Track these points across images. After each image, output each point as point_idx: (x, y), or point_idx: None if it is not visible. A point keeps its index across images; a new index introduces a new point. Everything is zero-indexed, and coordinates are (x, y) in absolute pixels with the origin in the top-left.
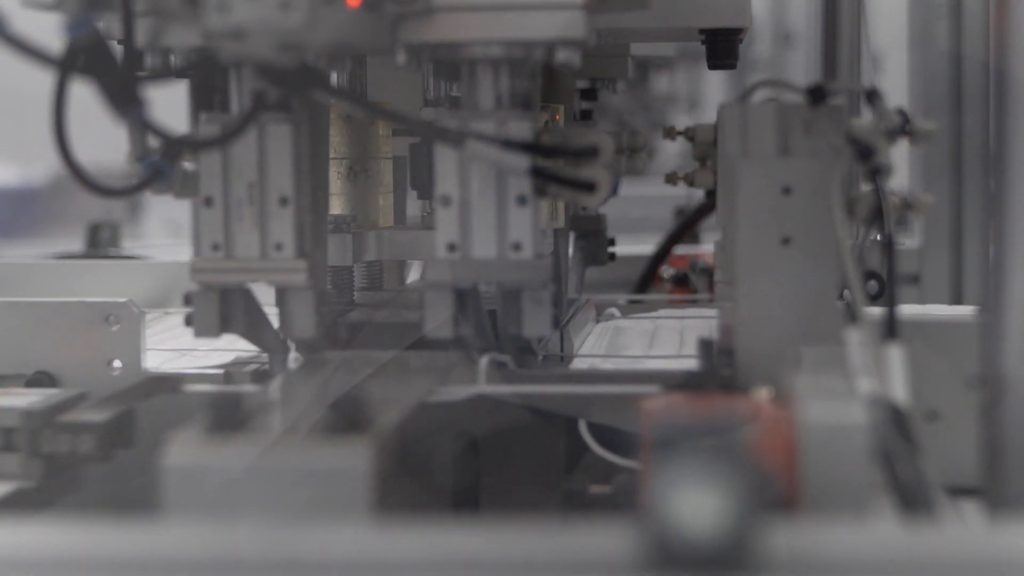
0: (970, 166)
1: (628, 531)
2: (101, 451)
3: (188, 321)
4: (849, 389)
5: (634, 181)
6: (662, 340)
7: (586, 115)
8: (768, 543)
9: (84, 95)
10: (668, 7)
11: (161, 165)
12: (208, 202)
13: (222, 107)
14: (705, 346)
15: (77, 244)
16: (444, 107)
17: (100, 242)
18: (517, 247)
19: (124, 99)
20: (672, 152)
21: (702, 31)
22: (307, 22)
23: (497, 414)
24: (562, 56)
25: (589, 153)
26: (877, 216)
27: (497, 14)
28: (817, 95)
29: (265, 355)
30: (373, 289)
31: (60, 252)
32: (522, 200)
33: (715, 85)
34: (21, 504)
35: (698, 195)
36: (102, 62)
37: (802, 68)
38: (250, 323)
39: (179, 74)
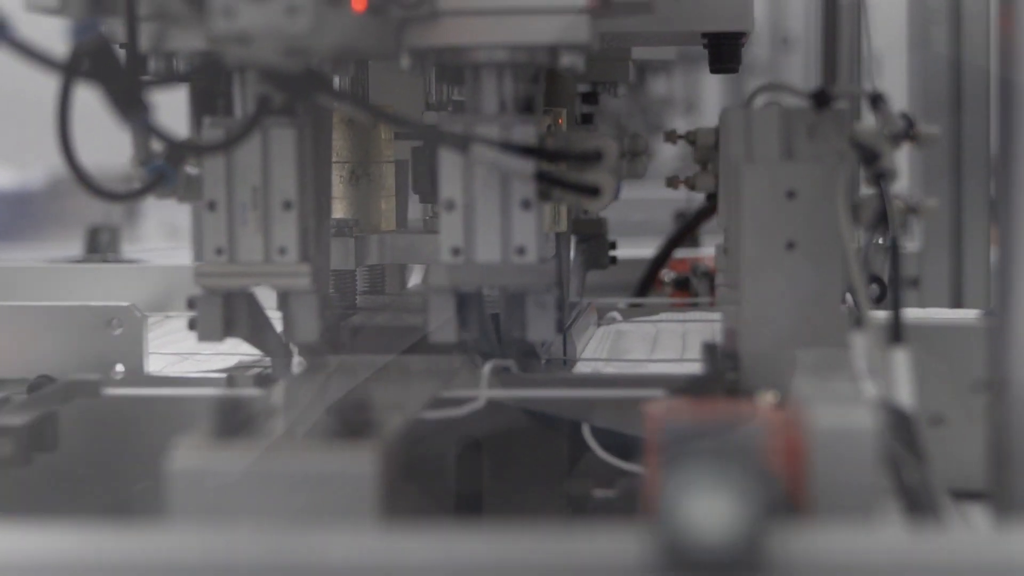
0: (970, 169)
1: (640, 535)
2: (21, 455)
3: (192, 325)
4: (856, 393)
5: (634, 184)
6: (664, 344)
7: (587, 119)
8: (779, 547)
9: (84, 97)
10: (671, 11)
11: (165, 169)
12: (212, 206)
13: (224, 111)
14: (709, 350)
15: (74, 247)
16: (446, 111)
17: (99, 246)
18: (521, 251)
19: (128, 103)
20: (669, 155)
21: (704, 35)
22: (313, 27)
23: (501, 418)
24: (566, 60)
25: (594, 157)
26: (881, 220)
27: (501, 18)
28: (821, 99)
29: (268, 359)
30: (375, 293)
31: (59, 256)
32: (526, 204)
33: (712, 88)
34: None
35: (698, 199)
36: (106, 66)
37: (800, 72)
38: (253, 327)
39: (183, 78)
